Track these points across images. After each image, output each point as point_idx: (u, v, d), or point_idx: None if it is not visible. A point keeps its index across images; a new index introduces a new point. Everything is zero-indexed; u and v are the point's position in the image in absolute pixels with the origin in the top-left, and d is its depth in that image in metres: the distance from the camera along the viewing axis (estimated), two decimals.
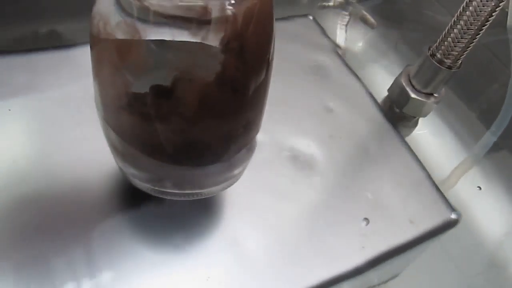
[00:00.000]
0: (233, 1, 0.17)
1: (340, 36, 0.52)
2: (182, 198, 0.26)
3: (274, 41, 0.20)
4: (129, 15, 0.17)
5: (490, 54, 0.44)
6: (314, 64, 0.41)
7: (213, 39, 0.17)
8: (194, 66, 0.18)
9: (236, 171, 0.25)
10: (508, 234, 0.43)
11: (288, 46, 0.41)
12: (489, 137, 0.40)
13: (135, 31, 0.17)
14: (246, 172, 0.26)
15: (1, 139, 0.30)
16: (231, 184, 0.27)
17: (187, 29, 0.17)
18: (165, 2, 0.16)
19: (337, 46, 0.43)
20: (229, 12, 0.17)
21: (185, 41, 0.17)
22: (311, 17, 0.45)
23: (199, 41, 0.17)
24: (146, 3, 0.16)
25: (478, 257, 0.42)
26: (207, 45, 0.17)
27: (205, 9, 0.17)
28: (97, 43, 0.19)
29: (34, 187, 0.28)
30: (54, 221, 0.27)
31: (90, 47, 0.20)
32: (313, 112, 0.37)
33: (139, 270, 0.26)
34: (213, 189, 0.26)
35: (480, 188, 0.40)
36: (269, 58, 0.20)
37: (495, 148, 0.42)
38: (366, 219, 0.31)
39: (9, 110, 0.31)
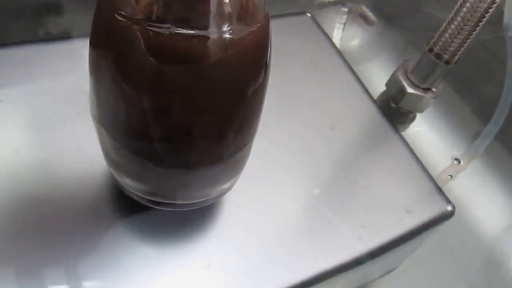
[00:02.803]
0: (231, 31, 0.18)
1: (338, 33, 0.52)
2: (172, 209, 0.26)
3: (270, 61, 0.21)
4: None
5: (487, 52, 0.45)
6: (311, 61, 0.41)
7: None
8: (191, 71, 0.18)
9: (226, 183, 0.26)
10: (505, 229, 0.43)
11: (286, 44, 0.41)
12: (486, 135, 0.40)
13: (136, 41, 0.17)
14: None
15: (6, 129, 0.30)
16: (222, 195, 0.27)
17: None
18: (162, 30, 0.17)
19: (334, 43, 0.43)
20: (227, 40, 0.18)
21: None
22: (309, 15, 0.45)
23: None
24: (145, 29, 0.17)
25: (476, 252, 0.43)
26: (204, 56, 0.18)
27: (205, 38, 0.17)
28: (96, 49, 0.19)
29: (28, 180, 0.28)
30: (49, 217, 0.26)
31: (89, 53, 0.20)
32: (311, 107, 0.37)
33: (139, 259, 0.26)
34: (205, 200, 0.26)
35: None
36: (264, 72, 0.21)
37: (492, 144, 0.42)
38: (363, 211, 0.32)
39: (1, 101, 0.31)
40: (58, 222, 0.26)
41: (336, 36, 0.52)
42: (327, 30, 0.45)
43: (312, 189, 0.32)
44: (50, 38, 0.36)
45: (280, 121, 0.35)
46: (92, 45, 0.20)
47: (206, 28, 0.17)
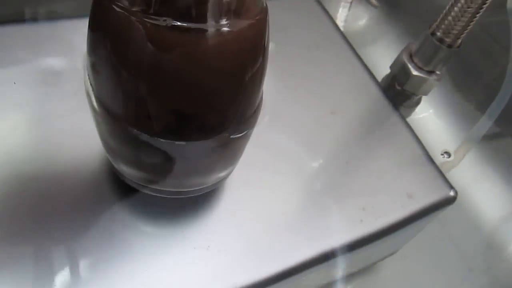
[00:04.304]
0: (228, 25, 0.18)
1: (342, 15, 0.52)
2: (167, 196, 0.26)
3: (267, 52, 0.21)
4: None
5: (490, 37, 0.45)
6: (314, 43, 0.41)
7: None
8: (189, 49, 0.18)
9: (222, 170, 0.26)
10: (506, 216, 0.43)
11: (288, 25, 0.41)
12: (487, 120, 0.40)
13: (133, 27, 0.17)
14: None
15: (2, 109, 0.30)
16: (218, 183, 0.27)
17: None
18: (159, 22, 0.17)
19: (337, 25, 0.43)
20: (224, 33, 0.18)
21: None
22: None
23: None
24: (143, 20, 0.17)
25: (477, 238, 0.43)
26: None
27: (202, 31, 0.17)
28: (94, 34, 0.19)
29: (33, 159, 0.28)
30: (47, 195, 0.26)
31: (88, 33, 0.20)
32: (313, 90, 0.37)
33: (140, 240, 0.26)
34: (200, 188, 0.26)
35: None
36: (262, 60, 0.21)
37: (495, 131, 0.42)
38: (364, 194, 0.32)
39: (14, 83, 0.31)
40: (56, 200, 0.26)
41: (340, 18, 0.52)
42: (330, 12, 0.44)
43: (313, 173, 0.32)
44: (51, 17, 0.36)
45: (282, 104, 0.35)
46: (91, 29, 0.20)
47: (203, 21, 0.17)
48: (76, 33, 0.34)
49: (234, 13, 0.18)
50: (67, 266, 0.24)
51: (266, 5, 0.20)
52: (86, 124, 0.25)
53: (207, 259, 0.26)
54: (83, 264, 0.25)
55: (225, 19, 0.17)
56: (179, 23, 0.17)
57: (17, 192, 0.26)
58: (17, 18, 0.35)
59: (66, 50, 0.34)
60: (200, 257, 0.26)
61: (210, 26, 0.17)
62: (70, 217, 0.26)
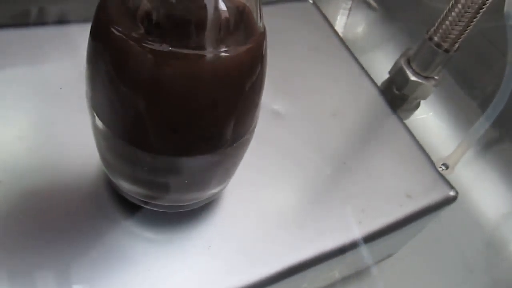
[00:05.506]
0: (226, 50, 0.18)
1: (341, 21, 0.52)
2: (165, 210, 0.27)
3: (265, 72, 0.21)
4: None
5: (487, 41, 0.45)
6: (313, 48, 0.41)
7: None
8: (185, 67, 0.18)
9: (217, 185, 0.26)
10: (506, 216, 0.43)
11: (288, 30, 0.42)
12: (482, 123, 0.41)
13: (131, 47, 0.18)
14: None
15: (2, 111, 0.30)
16: (213, 197, 0.27)
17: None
18: (157, 47, 0.17)
19: (336, 30, 0.44)
20: (222, 58, 0.18)
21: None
22: (310, 1, 0.46)
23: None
24: (141, 45, 0.17)
25: (476, 238, 0.43)
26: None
27: (200, 57, 0.18)
28: (94, 52, 0.20)
29: (33, 162, 0.28)
30: (48, 206, 0.27)
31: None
32: (312, 94, 0.38)
33: (141, 243, 0.27)
34: (196, 201, 0.26)
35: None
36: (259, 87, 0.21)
37: (495, 131, 0.43)
38: (363, 196, 0.32)
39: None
40: (58, 211, 0.26)
41: (339, 23, 0.53)
42: (329, 18, 0.45)
43: (313, 174, 0.32)
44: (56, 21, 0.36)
45: (282, 108, 0.36)
46: (90, 48, 0.20)
47: (201, 47, 0.17)
48: (84, 37, 0.35)
49: (232, 38, 0.18)
50: (67, 275, 0.25)
51: (265, 29, 0.20)
52: (87, 133, 0.25)
53: (209, 258, 0.27)
54: (83, 273, 0.25)
55: (223, 44, 0.18)
56: (177, 49, 0.17)
57: (15, 206, 0.26)
58: (24, 22, 0.35)
59: (72, 54, 0.34)
60: (202, 256, 0.27)
61: (208, 52, 0.18)
62: (70, 226, 0.26)
